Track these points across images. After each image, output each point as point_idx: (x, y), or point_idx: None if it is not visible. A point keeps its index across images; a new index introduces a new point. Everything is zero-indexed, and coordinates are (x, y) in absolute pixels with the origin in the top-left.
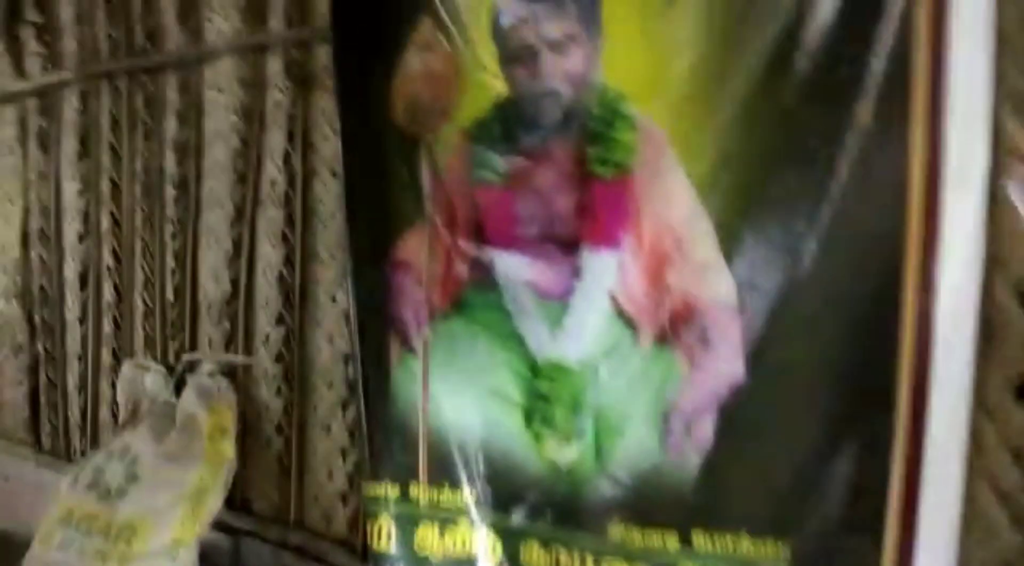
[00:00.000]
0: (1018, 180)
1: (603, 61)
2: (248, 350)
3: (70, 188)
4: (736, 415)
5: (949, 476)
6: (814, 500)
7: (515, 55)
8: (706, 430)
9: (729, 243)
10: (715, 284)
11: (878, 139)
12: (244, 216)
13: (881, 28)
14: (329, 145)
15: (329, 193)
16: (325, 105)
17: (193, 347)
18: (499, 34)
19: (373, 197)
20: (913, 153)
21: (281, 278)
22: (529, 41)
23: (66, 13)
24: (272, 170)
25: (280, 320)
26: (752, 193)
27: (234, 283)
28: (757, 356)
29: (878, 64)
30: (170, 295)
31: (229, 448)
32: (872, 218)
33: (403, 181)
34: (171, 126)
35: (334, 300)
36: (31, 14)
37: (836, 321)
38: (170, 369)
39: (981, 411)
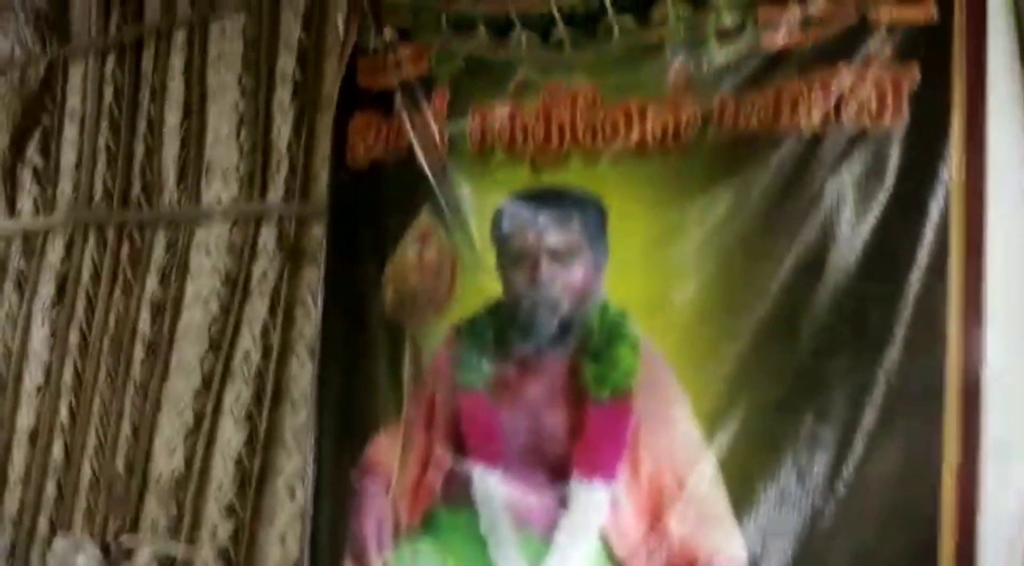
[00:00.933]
0: None
1: (607, 278)
2: (192, 539)
3: (38, 334)
4: None
5: None
6: None
7: (514, 259)
8: None
9: (739, 492)
10: (722, 538)
11: (908, 393)
12: (211, 388)
13: (909, 277)
14: (311, 323)
15: (305, 374)
16: (312, 281)
17: (135, 528)
18: (500, 236)
19: (349, 387)
20: (949, 416)
21: (239, 461)
22: (530, 247)
23: (67, 158)
24: (248, 341)
25: (231, 511)
26: (764, 438)
27: (188, 461)
28: None
29: (909, 312)
30: (120, 465)
31: None
32: (901, 484)
33: (383, 374)
34: (151, 284)
35: (293, 496)
36: (34, 156)
37: None
38: (106, 550)
39: None
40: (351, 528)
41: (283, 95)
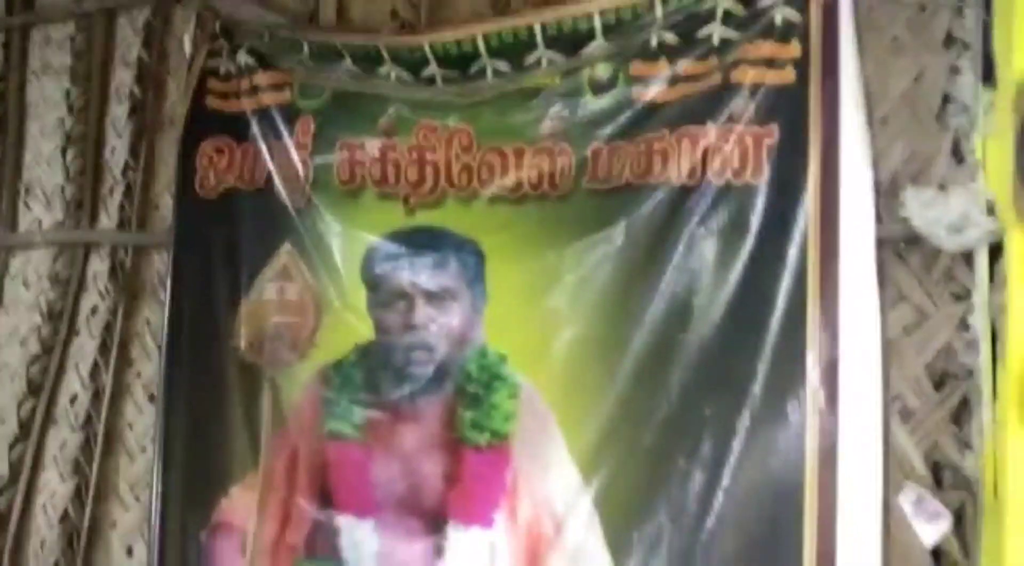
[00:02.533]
0: (909, 493)
1: (485, 322)
2: None
3: None
4: None
5: None
6: None
7: (388, 300)
8: None
9: (614, 533)
10: None
11: (771, 436)
12: (30, 435)
13: (768, 326)
14: (151, 365)
15: (144, 419)
16: (153, 318)
17: None
18: (372, 276)
19: (199, 436)
20: (809, 459)
21: (66, 516)
22: (405, 288)
23: None
24: (75, 383)
25: None
26: (639, 480)
27: (3, 517)
28: None
29: (769, 359)
30: None
31: None
32: (766, 527)
33: (237, 421)
34: None
35: (130, 553)
36: None
37: None
38: None
39: None
40: None
41: (119, 113)
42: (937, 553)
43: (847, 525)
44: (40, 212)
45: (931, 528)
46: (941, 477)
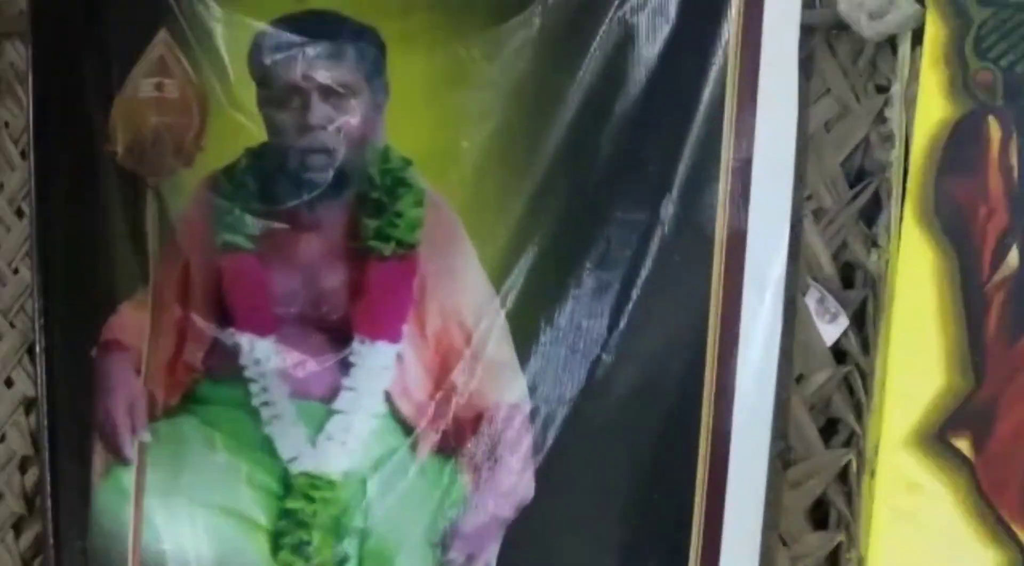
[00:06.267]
0: (813, 293)
1: (388, 121)
2: None
3: None
4: (523, 539)
5: None
6: None
7: (279, 97)
8: (489, 557)
9: (524, 342)
10: (507, 387)
11: (682, 239)
12: None
13: (689, 121)
14: (16, 174)
15: (11, 238)
16: (13, 120)
17: None
18: (259, 68)
19: (78, 252)
20: (716, 257)
21: None
22: (296, 83)
23: None
24: None
25: None
26: (549, 286)
27: None
28: (548, 471)
29: (687, 158)
30: None
31: None
32: (673, 325)
33: (121, 235)
34: None
35: (9, 384)
36: None
37: (633, 436)
38: None
39: (774, 535)
40: (97, 412)
41: None
42: (839, 352)
43: (750, 322)
44: None
45: (831, 328)
46: (848, 277)
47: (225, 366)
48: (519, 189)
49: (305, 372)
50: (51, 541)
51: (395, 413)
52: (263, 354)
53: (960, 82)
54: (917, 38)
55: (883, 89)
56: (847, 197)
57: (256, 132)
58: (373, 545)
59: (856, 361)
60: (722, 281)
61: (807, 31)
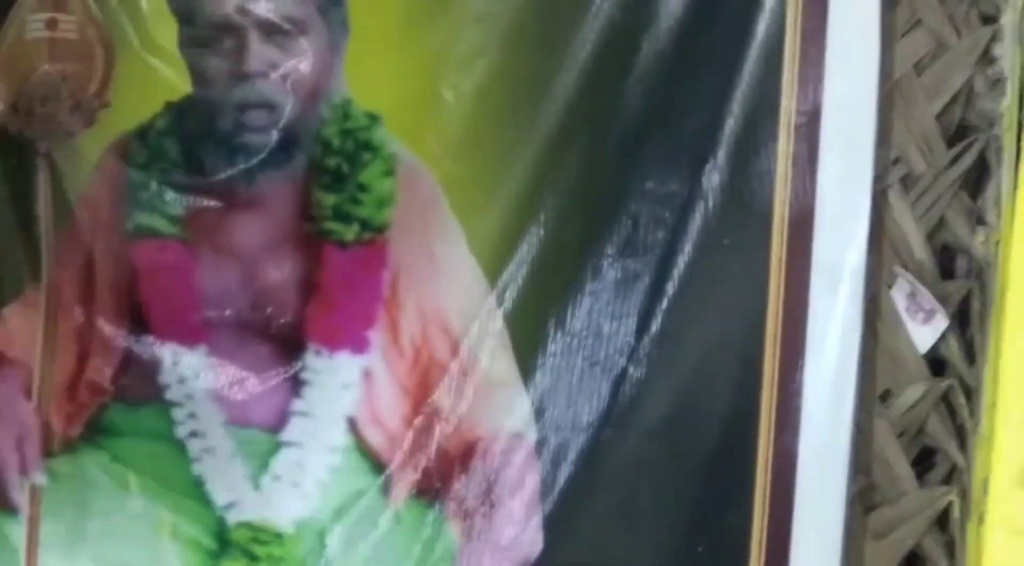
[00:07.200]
0: (902, 285)
1: (347, 67)
2: None
3: None
4: None
5: None
6: None
7: (208, 37)
8: None
9: (528, 351)
10: (506, 412)
11: (732, 217)
12: None
13: (738, 65)
14: None
15: None
16: None
17: None
18: (183, 2)
19: None
20: (775, 240)
21: None
22: (230, 17)
23: None
24: None
25: None
26: (558, 279)
27: None
28: (560, 520)
29: (736, 112)
30: None
31: None
32: (721, 329)
33: (3, 218)
34: None
35: None
36: None
37: (670, 473)
38: None
39: None
40: None
41: None
42: (936, 361)
43: (821, 324)
44: None
45: (926, 329)
46: (947, 264)
47: (141, 386)
48: (519, 153)
49: (245, 393)
50: None
51: (361, 445)
52: (190, 370)
53: None
54: None
55: (990, 19)
56: (945, 161)
57: (178, 82)
58: None
59: (958, 373)
60: (783, 271)
61: None
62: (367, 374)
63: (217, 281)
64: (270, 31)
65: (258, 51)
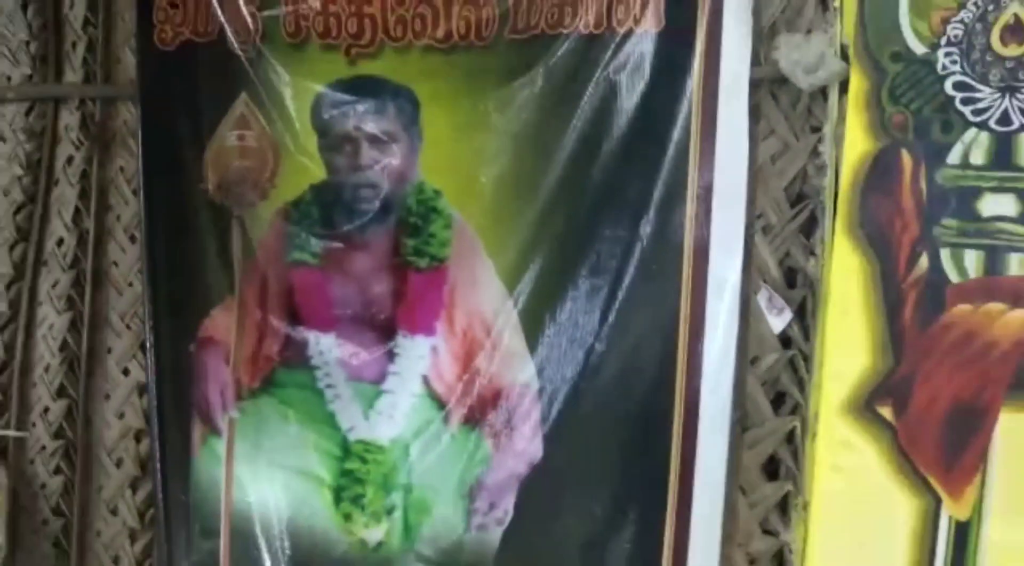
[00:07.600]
0: (763, 293)
1: (421, 161)
2: (22, 424)
3: None
4: (533, 490)
5: (711, 543)
6: None
7: (335, 144)
8: (507, 505)
9: (532, 334)
10: (520, 370)
11: (657, 251)
12: (24, 276)
13: (661, 157)
14: (129, 208)
15: (127, 258)
16: (126, 165)
17: None
18: (319, 121)
19: (179, 269)
20: (684, 265)
21: (65, 345)
22: (349, 133)
23: None
24: (60, 228)
25: (62, 392)
26: (552, 290)
27: (9, 348)
28: (553, 436)
29: (660, 186)
30: None
31: None
32: (651, 320)
33: (213, 254)
34: None
35: (126, 373)
36: None
37: (620, 408)
38: None
39: (735, 486)
40: (195, 394)
41: None
42: (785, 339)
43: (714, 316)
44: (7, 68)
45: (778, 320)
46: (791, 279)
47: (296, 355)
48: (526, 214)
49: (359, 360)
50: (160, 496)
51: (431, 392)
52: (326, 346)
53: (878, 123)
54: (844, 88)
55: (817, 129)
56: (789, 215)
57: (318, 172)
58: (415, 497)
59: (799, 346)
60: (689, 284)
61: (754, 84)
62: (434, 349)
63: (342, 293)
64: (373, 140)
65: (367, 153)
